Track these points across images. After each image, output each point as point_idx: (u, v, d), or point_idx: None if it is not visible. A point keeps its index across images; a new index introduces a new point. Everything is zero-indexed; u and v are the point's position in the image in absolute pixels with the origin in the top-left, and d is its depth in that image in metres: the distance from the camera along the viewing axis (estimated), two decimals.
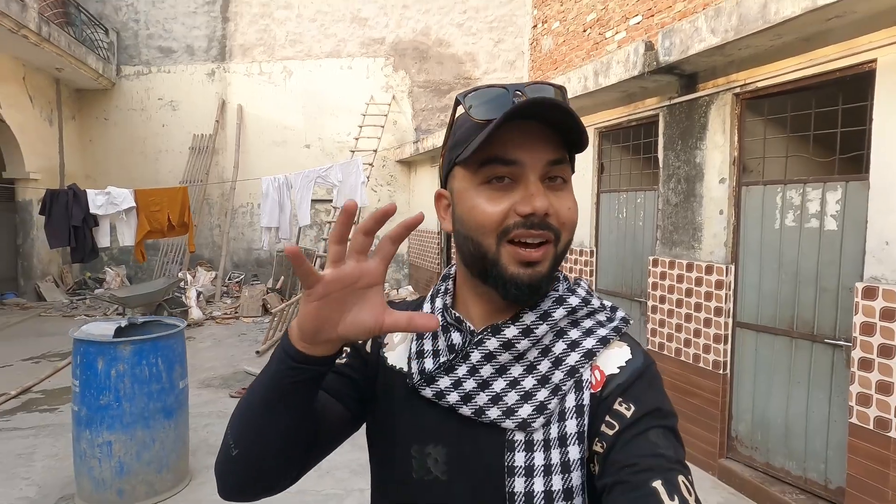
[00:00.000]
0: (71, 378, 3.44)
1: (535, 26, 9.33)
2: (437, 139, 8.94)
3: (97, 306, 10.13)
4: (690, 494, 0.63)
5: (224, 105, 12.12)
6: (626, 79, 4.31)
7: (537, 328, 0.74)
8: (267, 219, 8.02)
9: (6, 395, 5.29)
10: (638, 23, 6.61)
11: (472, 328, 0.77)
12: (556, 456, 0.71)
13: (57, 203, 6.94)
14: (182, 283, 10.18)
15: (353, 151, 10.70)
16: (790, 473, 3.51)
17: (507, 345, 0.74)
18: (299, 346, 0.65)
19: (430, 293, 0.88)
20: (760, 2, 3.11)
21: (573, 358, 0.74)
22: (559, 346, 0.75)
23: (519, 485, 0.71)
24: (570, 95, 5.20)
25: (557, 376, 0.73)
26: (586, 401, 0.72)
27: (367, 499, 2.85)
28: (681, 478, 0.63)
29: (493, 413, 0.73)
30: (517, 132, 0.70)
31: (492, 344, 0.75)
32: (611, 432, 0.69)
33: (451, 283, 0.85)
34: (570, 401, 0.72)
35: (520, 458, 0.71)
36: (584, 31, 7.78)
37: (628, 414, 0.69)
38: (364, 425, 0.87)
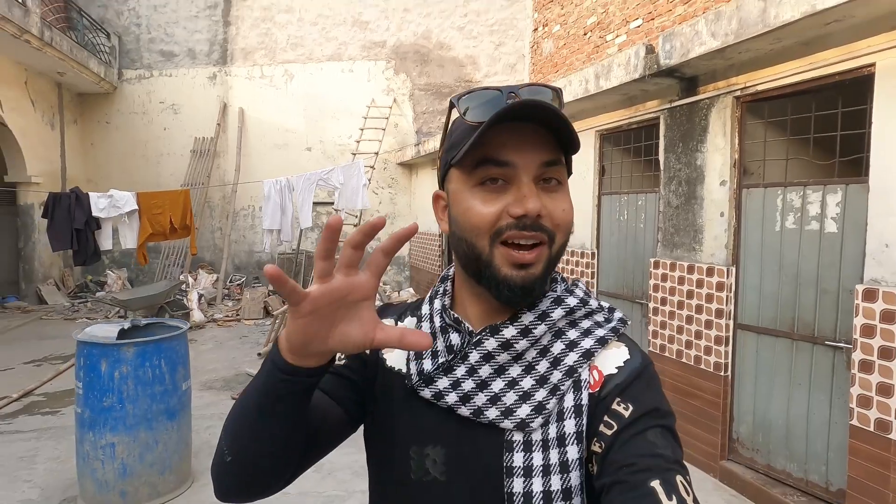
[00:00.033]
0: (74, 380, 3.45)
1: (536, 29, 9.35)
2: (437, 142, 8.93)
3: (99, 309, 10.15)
4: (688, 494, 0.63)
5: (225, 108, 12.15)
6: (627, 81, 4.33)
7: (536, 328, 0.74)
8: (269, 221, 8.03)
9: (8, 398, 5.30)
10: (638, 26, 6.63)
11: (470, 329, 0.77)
12: (554, 456, 0.71)
13: (59, 206, 6.96)
14: (183, 286, 10.19)
15: (354, 154, 10.71)
16: (791, 475, 3.51)
17: (506, 345, 0.74)
18: (289, 358, 0.64)
19: (428, 294, 0.88)
20: (760, 6, 3.12)
21: (571, 358, 0.74)
22: (557, 347, 0.75)
23: (517, 485, 0.71)
24: (571, 98, 5.22)
25: (556, 376, 0.73)
26: (585, 401, 0.73)
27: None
28: (679, 478, 0.64)
29: (492, 413, 0.73)
30: (510, 134, 0.70)
31: (490, 344, 0.75)
32: (609, 432, 0.69)
33: (449, 284, 0.85)
34: (569, 401, 0.73)
35: (518, 459, 0.71)
36: (585, 34, 7.80)
37: (626, 414, 0.69)
38: (362, 426, 0.87)
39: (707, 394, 3.99)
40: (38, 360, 6.97)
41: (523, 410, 0.72)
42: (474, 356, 0.76)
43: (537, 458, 0.71)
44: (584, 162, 5.42)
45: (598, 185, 5.40)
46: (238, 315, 9.79)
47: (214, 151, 11.90)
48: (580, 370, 0.74)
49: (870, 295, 2.90)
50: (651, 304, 4.54)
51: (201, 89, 12.22)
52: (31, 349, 7.42)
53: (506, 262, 0.72)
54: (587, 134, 5.39)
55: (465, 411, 0.74)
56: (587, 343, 0.75)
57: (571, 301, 0.78)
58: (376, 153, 10.98)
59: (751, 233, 3.75)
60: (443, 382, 0.76)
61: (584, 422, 0.72)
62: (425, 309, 0.85)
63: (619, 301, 5.08)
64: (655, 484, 0.62)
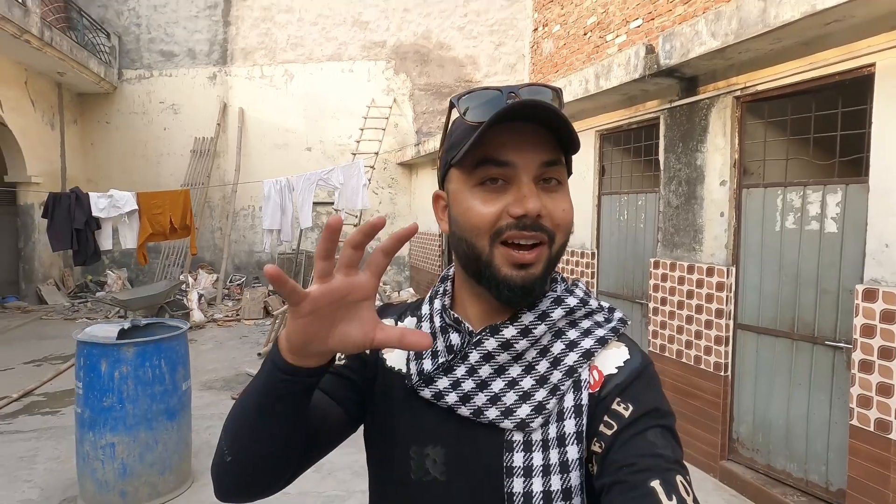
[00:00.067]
0: (74, 380, 3.45)
1: (536, 29, 9.35)
2: (438, 142, 8.94)
3: (98, 309, 10.15)
4: (688, 494, 0.63)
5: (225, 108, 12.15)
6: (627, 81, 4.33)
7: (536, 328, 0.74)
8: (269, 221, 8.03)
9: (8, 398, 5.30)
10: (638, 26, 6.63)
11: (470, 329, 0.77)
12: (554, 456, 0.71)
13: (59, 206, 6.96)
14: (183, 286, 10.20)
15: (354, 154, 10.72)
16: (791, 475, 3.51)
17: (506, 345, 0.74)
18: (289, 358, 0.64)
19: (428, 294, 0.88)
20: (760, 6, 3.12)
21: (571, 358, 0.74)
22: (557, 347, 0.75)
23: (517, 485, 0.71)
24: (571, 98, 5.22)
25: (556, 376, 0.73)
26: (585, 401, 0.72)
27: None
28: (679, 477, 0.63)
29: (492, 413, 0.73)
30: (510, 134, 0.70)
31: (490, 344, 0.75)
32: (609, 432, 0.69)
33: (449, 284, 0.85)
34: (569, 401, 0.73)
35: (518, 459, 0.71)
36: (585, 34, 7.80)
37: (626, 414, 0.69)
38: (362, 426, 0.87)
39: (707, 394, 4.00)
40: (37, 360, 6.97)
41: (523, 410, 0.72)
42: (474, 356, 0.75)
43: (537, 458, 0.71)
44: (585, 162, 5.42)
45: (598, 185, 5.40)
46: (238, 315, 9.80)
47: (214, 151, 11.90)
48: (580, 370, 0.74)
49: (870, 295, 2.90)
50: (651, 304, 4.55)
51: (201, 89, 12.22)
52: (30, 349, 7.43)
53: (506, 262, 0.71)
54: (587, 134, 5.39)
55: (465, 411, 0.74)
56: (587, 343, 0.75)
57: (571, 301, 0.77)
58: (376, 153, 10.98)
59: (751, 233, 3.76)
60: (443, 382, 0.76)
61: (584, 422, 0.72)
62: (425, 309, 0.85)
63: (620, 301, 5.09)
64: (655, 484, 0.62)
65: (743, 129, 3.81)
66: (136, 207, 7.32)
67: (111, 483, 3.33)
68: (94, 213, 7.08)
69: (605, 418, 0.70)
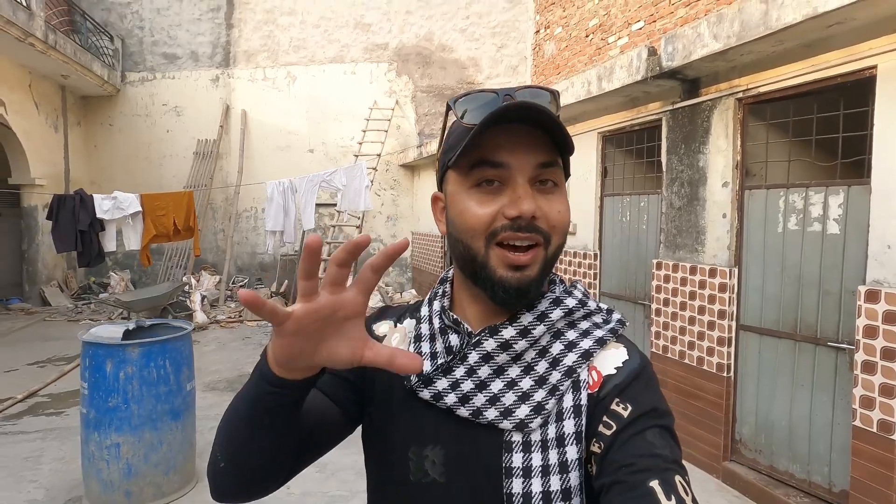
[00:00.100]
0: (78, 381, 3.47)
1: (538, 31, 9.36)
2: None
3: (102, 311, 10.18)
4: (687, 494, 0.63)
5: (228, 110, 12.18)
6: (630, 83, 4.33)
7: (535, 329, 0.75)
8: (272, 223, 8.06)
9: (12, 399, 5.33)
10: (640, 28, 6.64)
11: (469, 330, 0.78)
12: (553, 456, 0.71)
13: (64, 208, 7.00)
14: (186, 288, 10.22)
15: (356, 156, 10.74)
16: (794, 476, 3.51)
17: (505, 345, 0.74)
18: (276, 370, 0.63)
19: (427, 296, 0.88)
20: (762, 8, 3.13)
21: (570, 358, 0.74)
22: (556, 347, 0.75)
23: (517, 485, 0.71)
24: (573, 100, 5.22)
25: (555, 377, 0.73)
26: (584, 401, 0.73)
27: None
28: (678, 478, 0.64)
29: (491, 414, 0.73)
30: (506, 136, 0.71)
31: (489, 345, 0.75)
32: (608, 432, 0.69)
33: (448, 285, 0.85)
34: (568, 401, 0.73)
35: (517, 459, 0.72)
36: (587, 36, 7.81)
37: (625, 414, 0.69)
38: (360, 427, 0.87)
39: (710, 395, 4.00)
40: (41, 361, 6.99)
41: (522, 411, 0.72)
42: (473, 357, 0.76)
43: (536, 459, 0.71)
44: (587, 163, 5.43)
45: (600, 187, 5.40)
46: (241, 316, 9.81)
47: (217, 153, 11.93)
48: (579, 371, 0.74)
49: (872, 296, 2.91)
50: (653, 306, 4.55)
51: (204, 91, 12.26)
52: (34, 351, 7.45)
53: (501, 264, 0.72)
54: (589, 135, 5.40)
55: (464, 412, 0.74)
56: (586, 344, 0.75)
57: (570, 302, 0.78)
58: (378, 155, 11.00)
59: (753, 234, 3.76)
60: (442, 383, 0.76)
61: (584, 422, 0.72)
62: (424, 310, 0.86)
63: (622, 302, 5.09)
64: (654, 484, 0.63)
65: (745, 131, 3.82)
66: (140, 209, 7.35)
67: (116, 483, 3.34)
68: (99, 215, 7.12)
69: (604, 419, 0.71)
